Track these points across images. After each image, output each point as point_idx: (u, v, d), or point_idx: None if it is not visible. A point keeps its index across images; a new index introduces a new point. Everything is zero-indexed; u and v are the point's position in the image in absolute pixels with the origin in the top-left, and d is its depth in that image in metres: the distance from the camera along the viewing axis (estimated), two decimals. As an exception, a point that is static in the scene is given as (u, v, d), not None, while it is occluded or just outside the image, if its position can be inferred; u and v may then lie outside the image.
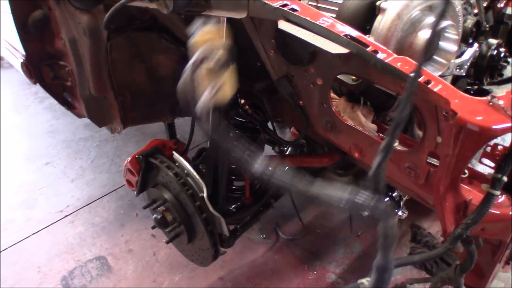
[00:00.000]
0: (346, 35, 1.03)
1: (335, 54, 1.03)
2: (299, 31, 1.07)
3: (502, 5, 2.12)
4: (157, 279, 2.47)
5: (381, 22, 1.20)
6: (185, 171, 1.63)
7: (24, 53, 2.00)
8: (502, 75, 1.81)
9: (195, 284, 2.42)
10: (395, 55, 1.00)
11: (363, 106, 1.38)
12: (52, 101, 2.40)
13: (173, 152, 1.68)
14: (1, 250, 2.67)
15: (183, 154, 1.88)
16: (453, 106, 0.92)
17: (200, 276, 2.46)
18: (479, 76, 1.72)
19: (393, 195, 1.68)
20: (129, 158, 1.74)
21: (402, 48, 1.20)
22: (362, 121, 1.34)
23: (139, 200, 2.91)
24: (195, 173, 1.59)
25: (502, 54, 1.70)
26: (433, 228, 2.61)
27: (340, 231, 2.71)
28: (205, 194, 1.59)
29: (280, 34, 1.22)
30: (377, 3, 1.23)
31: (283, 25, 1.10)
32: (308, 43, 1.07)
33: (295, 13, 1.08)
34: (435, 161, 1.10)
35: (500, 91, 1.34)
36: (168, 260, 2.56)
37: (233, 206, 1.92)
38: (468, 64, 1.62)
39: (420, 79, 0.94)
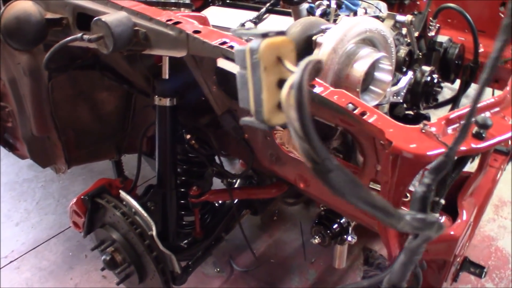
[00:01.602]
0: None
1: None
2: (233, 68, 1.09)
3: (433, 33, 2.25)
4: (111, 320, 2.40)
5: (318, 56, 1.24)
6: (133, 210, 1.61)
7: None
8: (436, 99, 1.91)
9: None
10: (332, 89, 1.04)
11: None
12: (-8, 141, 2.34)
13: (120, 191, 1.66)
14: None
15: (131, 191, 1.86)
16: (388, 135, 0.96)
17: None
18: (416, 102, 1.81)
19: (341, 221, 1.71)
20: (75, 200, 1.70)
21: (339, 80, 1.25)
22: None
23: (87, 241, 2.82)
24: (142, 211, 1.57)
25: (436, 80, 1.80)
26: (384, 250, 2.67)
27: (293, 259, 2.72)
28: (154, 232, 1.57)
29: (220, 70, 1.24)
30: (313, 38, 1.28)
31: (222, 63, 1.12)
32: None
33: (232, 50, 1.10)
34: (377, 187, 1.14)
35: (436, 115, 1.43)
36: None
37: (184, 242, 1.90)
38: (405, 91, 1.70)
39: (355, 111, 0.98)
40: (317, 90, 1.03)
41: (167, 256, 1.60)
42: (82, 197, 1.67)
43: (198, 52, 1.18)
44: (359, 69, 1.28)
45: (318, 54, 1.24)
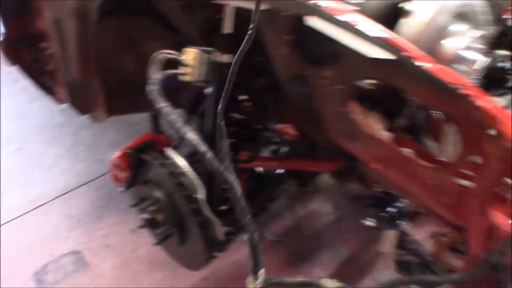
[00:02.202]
0: (381, 38, 0.92)
1: (374, 59, 0.93)
2: (330, 30, 0.96)
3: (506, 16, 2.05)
4: (137, 277, 2.35)
5: (406, 26, 1.10)
6: (179, 170, 1.51)
7: (3, 31, 1.84)
8: (506, 87, 1.75)
9: (177, 284, 2.30)
10: (439, 65, 0.91)
11: (375, 112, 1.28)
12: (27, 82, 2.24)
13: (168, 148, 1.55)
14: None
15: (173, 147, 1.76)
16: (501, 125, 0.83)
17: (183, 275, 2.34)
18: (487, 87, 1.65)
19: (399, 205, 1.59)
20: (118, 153, 1.60)
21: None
22: (376, 129, 1.24)
23: (118, 192, 2.77)
24: (192, 173, 1.47)
25: (509, 66, 1.63)
26: (419, 234, 2.53)
27: (326, 234, 2.62)
28: (202, 196, 1.47)
29: (299, 30, 1.11)
30: (400, 5, 1.13)
31: (313, 21, 0.98)
32: (339, 43, 0.96)
33: (323, 9, 0.97)
34: (466, 182, 1.01)
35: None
36: (149, 258, 2.43)
37: (226, 207, 1.80)
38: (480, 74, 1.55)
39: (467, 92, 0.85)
40: (421, 64, 0.90)
41: (212, 221, 1.51)
42: (126, 151, 1.57)
43: (279, 6, 1.05)
44: (452, 46, 1.13)
45: (407, 24, 1.09)
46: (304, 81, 1.25)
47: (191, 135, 1.12)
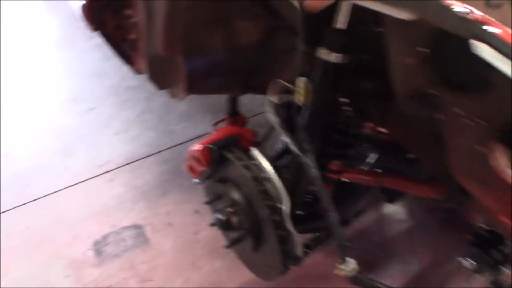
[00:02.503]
0: None
1: None
2: (501, 61, 0.74)
3: None
4: (196, 262, 2.25)
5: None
6: (265, 175, 1.35)
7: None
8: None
9: (236, 276, 2.18)
10: None
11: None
12: (103, 40, 2.14)
13: (252, 148, 1.39)
14: (34, 199, 2.48)
15: (258, 144, 1.60)
16: None
17: (242, 268, 2.22)
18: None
19: (505, 249, 1.37)
20: (199, 146, 1.46)
21: None
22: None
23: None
24: (278, 181, 1.31)
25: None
26: None
27: (398, 244, 2.41)
28: (286, 209, 1.31)
29: (442, 45, 0.90)
30: None
31: (482, 49, 0.77)
32: (501, 73, 0.75)
33: (493, 33, 0.75)
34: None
35: None
36: (210, 243, 2.32)
37: (303, 212, 1.64)
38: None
39: None
40: None
41: (293, 237, 1.35)
42: (209, 146, 1.43)
43: (437, 19, 0.84)
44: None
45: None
46: (430, 101, 1.04)
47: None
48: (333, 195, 1.67)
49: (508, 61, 0.74)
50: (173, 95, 1.98)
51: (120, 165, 2.68)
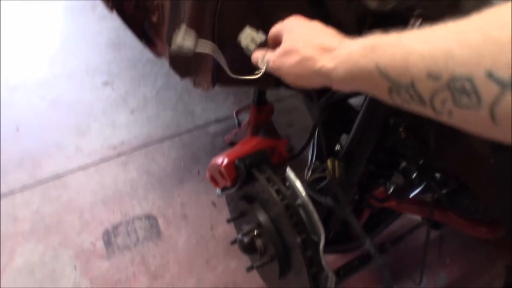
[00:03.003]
0: None
1: None
2: None
3: None
4: (211, 260, 2.11)
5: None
6: (300, 202, 1.17)
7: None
8: None
9: (252, 279, 2.04)
10: None
11: None
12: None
13: (288, 169, 1.21)
14: (43, 180, 2.34)
15: (296, 154, 1.41)
16: None
17: (261, 271, 2.09)
18: None
19: None
20: (224, 160, 1.28)
21: None
22: None
23: (204, 155, 2.50)
24: (314, 211, 1.14)
25: None
26: None
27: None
28: (321, 245, 1.14)
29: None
30: None
31: None
32: None
33: None
34: None
35: None
36: (226, 240, 2.16)
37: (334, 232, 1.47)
38: None
39: None
40: None
41: (326, 274, 1.19)
42: (236, 162, 1.25)
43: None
44: None
45: None
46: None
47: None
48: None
49: None
50: (197, 84, 1.80)
51: (135, 147, 2.52)
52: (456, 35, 0.46)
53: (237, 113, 2.37)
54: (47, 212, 2.23)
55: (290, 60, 0.77)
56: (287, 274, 1.31)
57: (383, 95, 0.58)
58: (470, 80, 0.44)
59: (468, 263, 2.13)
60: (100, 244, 2.13)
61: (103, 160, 2.45)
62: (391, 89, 0.55)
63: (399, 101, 0.56)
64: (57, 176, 2.36)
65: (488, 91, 0.43)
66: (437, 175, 1.20)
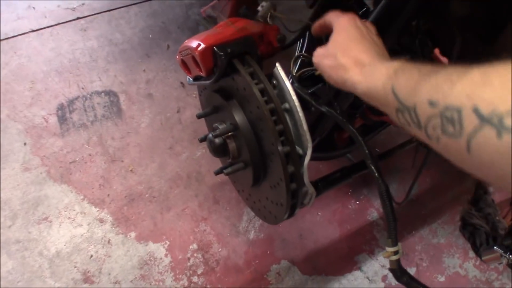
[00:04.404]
0: None
1: None
2: None
3: None
4: (175, 146, 1.95)
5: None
6: (287, 106, 0.97)
7: None
8: None
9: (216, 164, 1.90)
10: None
11: None
12: None
13: (277, 65, 0.98)
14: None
15: (289, 44, 1.18)
16: None
17: (228, 162, 1.94)
18: None
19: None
20: (201, 45, 1.01)
21: None
22: None
23: (175, 25, 2.22)
24: (303, 119, 0.94)
25: None
26: (497, 195, 2.02)
27: (400, 160, 2.10)
28: (306, 161, 0.97)
29: None
30: None
31: None
32: None
33: None
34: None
35: None
36: (193, 125, 1.99)
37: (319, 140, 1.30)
38: None
39: None
40: None
41: (307, 191, 1.03)
42: (215, 48, 0.99)
43: None
44: None
45: None
46: None
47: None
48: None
49: None
50: None
51: (97, 11, 2.20)
52: (461, 73, 0.51)
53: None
54: (-7, 78, 1.97)
55: (328, 62, 0.86)
56: (261, 183, 1.15)
57: (391, 113, 0.66)
58: (459, 111, 0.50)
59: (439, 174, 2.04)
60: (53, 119, 1.92)
61: (60, 23, 2.14)
62: (398, 109, 0.63)
63: (403, 121, 0.63)
64: (6, 38, 2.06)
65: (470, 122, 0.48)
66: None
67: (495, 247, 1.27)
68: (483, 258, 1.47)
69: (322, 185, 1.24)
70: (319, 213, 1.89)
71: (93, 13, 2.18)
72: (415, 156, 1.77)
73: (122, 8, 2.22)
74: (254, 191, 1.22)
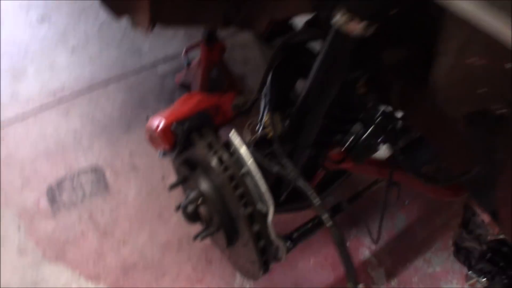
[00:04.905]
0: None
1: None
2: None
3: None
4: (163, 213, 2.01)
5: None
6: (245, 171, 1.04)
7: None
8: None
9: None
10: None
11: None
12: None
13: (233, 132, 1.05)
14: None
15: (245, 110, 1.26)
16: None
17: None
18: None
19: None
20: (160, 123, 1.10)
21: None
22: None
23: (151, 98, 2.32)
24: (261, 180, 1.01)
25: None
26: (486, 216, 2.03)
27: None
28: (270, 217, 1.03)
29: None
30: None
31: None
32: None
33: None
34: None
35: None
36: (179, 190, 2.03)
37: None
38: None
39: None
40: None
41: (277, 246, 1.09)
42: (173, 125, 1.08)
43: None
44: None
45: None
46: (489, 121, 0.72)
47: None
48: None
49: None
50: (135, 24, 1.59)
51: (77, 93, 2.32)
52: None
53: (186, 52, 2.18)
54: (-15, 169, 2.06)
55: None
56: (235, 243, 1.21)
57: None
58: None
59: (426, 203, 2.08)
60: (44, 201, 1.99)
61: (43, 108, 2.25)
62: None
63: None
64: (-8, 127, 2.17)
65: None
66: (399, 123, 1.07)
67: (469, 272, 1.31)
68: (467, 283, 1.49)
69: (296, 236, 1.29)
70: (312, 259, 1.92)
71: (73, 95, 2.29)
72: (398, 188, 1.83)
73: (101, 87, 2.32)
74: (231, 251, 1.27)
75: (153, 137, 1.20)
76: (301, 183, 1.02)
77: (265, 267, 1.13)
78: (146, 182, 2.07)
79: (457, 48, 0.73)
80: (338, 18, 0.82)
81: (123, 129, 2.21)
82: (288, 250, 1.24)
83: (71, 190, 2.02)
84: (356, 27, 0.82)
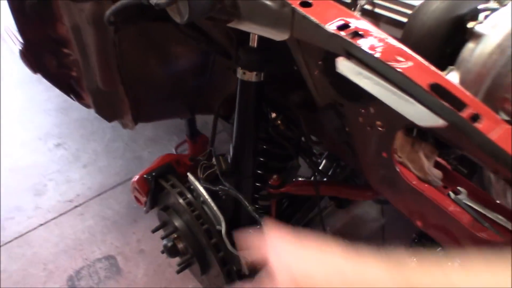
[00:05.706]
0: (433, 86, 0.71)
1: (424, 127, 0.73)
2: (365, 82, 0.77)
3: None
4: (169, 286, 2.26)
5: (474, 53, 0.87)
6: (201, 199, 1.37)
7: (21, 39, 1.73)
8: None
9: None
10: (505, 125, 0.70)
11: (425, 143, 1.07)
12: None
13: (188, 174, 1.41)
14: (7, 241, 2.49)
15: (208, 157, 1.61)
16: None
17: (217, 286, 2.24)
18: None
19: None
20: (137, 177, 1.48)
21: (497, 88, 0.88)
22: (425, 166, 1.03)
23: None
24: (212, 204, 1.33)
25: None
26: None
27: (371, 242, 2.40)
28: (223, 230, 1.33)
29: (330, 59, 0.92)
30: (469, 26, 0.90)
31: (344, 67, 0.79)
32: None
33: (360, 46, 0.76)
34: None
35: None
36: (182, 265, 2.33)
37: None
38: None
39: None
40: (482, 125, 0.69)
41: (235, 256, 1.37)
42: (144, 176, 1.45)
43: (306, 37, 0.86)
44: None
45: (475, 50, 0.87)
46: (340, 112, 1.06)
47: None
48: (284, 210, 1.69)
49: (371, 74, 0.76)
50: (125, 125, 2.00)
51: (90, 198, 2.69)
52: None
53: (176, 148, 2.58)
54: (14, 269, 2.37)
55: None
56: (209, 271, 1.48)
57: None
58: None
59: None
60: (65, 289, 2.26)
61: (61, 214, 2.61)
62: None
63: None
64: (20, 235, 2.51)
65: None
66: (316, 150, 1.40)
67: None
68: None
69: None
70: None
71: (87, 200, 2.66)
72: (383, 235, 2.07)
73: (109, 190, 2.70)
74: (207, 279, 1.54)
75: (134, 193, 1.55)
76: (238, 196, 1.32)
77: (229, 278, 1.40)
78: (152, 262, 2.35)
79: (308, 69, 1.09)
80: (239, 72, 1.23)
81: (130, 222, 2.54)
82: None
83: (88, 276, 2.31)
84: (251, 76, 1.21)
